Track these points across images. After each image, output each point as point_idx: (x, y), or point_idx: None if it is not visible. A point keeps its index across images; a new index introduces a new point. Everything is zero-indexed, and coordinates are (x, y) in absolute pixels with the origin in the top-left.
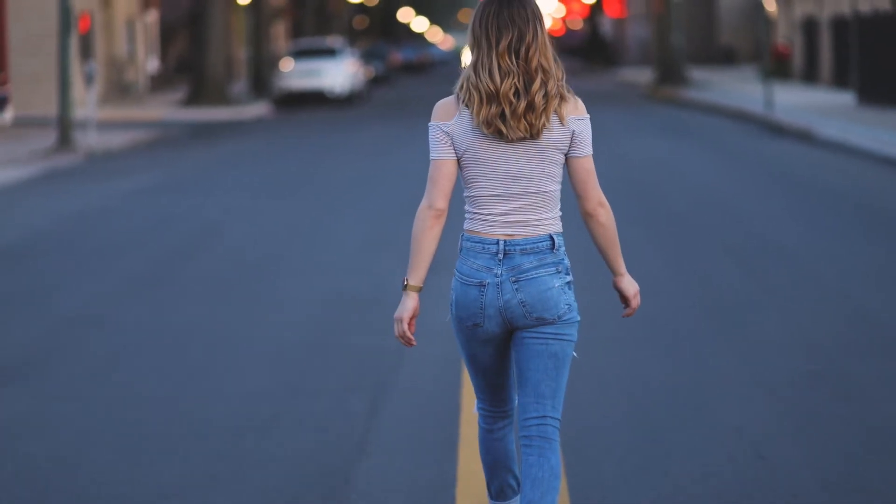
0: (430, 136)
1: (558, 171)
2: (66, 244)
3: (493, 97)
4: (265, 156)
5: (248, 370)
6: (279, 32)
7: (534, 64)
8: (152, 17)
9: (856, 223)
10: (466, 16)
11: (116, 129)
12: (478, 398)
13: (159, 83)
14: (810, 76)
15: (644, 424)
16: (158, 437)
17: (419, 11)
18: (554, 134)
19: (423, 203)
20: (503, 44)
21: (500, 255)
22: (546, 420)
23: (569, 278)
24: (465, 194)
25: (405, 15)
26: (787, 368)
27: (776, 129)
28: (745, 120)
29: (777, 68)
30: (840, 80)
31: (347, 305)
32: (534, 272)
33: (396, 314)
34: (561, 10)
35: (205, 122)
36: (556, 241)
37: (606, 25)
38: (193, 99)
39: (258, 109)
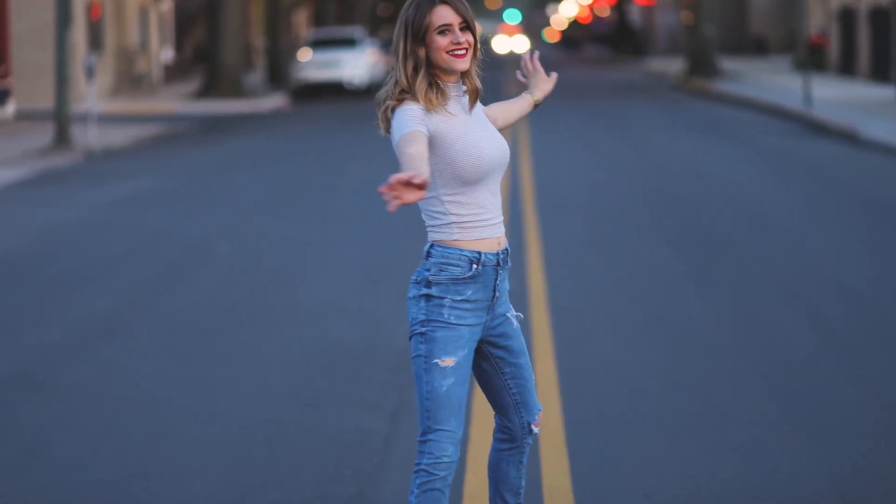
0: None
1: None
2: (28, 271)
3: None
4: (273, 156)
5: (196, 468)
6: (300, 21)
7: None
8: (167, 4)
9: None
10: (493, 1)
11: (122, 123)
12: None
13: (174, 73)
14: (847, 68)
15: None
16: None
17: None
18: None
19: None
20: None
21: None
22: None
23: (425, 291)
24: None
25: None
26: (880, 481)
27: (818, 128)
28: (783, 116)
29: (812, 60)
30: (879, 72)
31: (334, 365)
32: None
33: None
34: None
35: (217, 115)
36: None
37: (634, 13)
38: (207, 91)
39: (274, 102)
